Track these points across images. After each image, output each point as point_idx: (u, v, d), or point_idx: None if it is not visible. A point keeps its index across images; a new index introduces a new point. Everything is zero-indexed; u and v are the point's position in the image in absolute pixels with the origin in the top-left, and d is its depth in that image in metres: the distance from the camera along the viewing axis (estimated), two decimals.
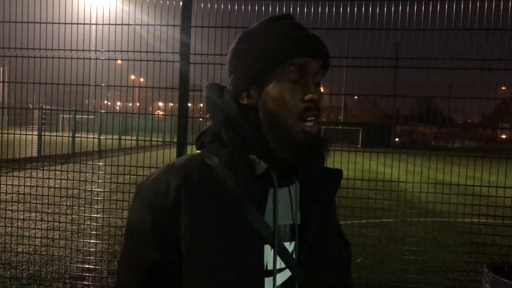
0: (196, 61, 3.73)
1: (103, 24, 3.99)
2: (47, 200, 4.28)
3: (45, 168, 4.68)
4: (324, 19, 3.64)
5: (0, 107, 6.41)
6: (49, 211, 4.48)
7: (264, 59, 0.98)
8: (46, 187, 4.31)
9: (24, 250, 4.81)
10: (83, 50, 4.02)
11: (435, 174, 3.98)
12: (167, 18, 3.84)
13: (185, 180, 0.97)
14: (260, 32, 1.02)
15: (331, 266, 1.07)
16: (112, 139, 4.89)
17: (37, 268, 4.50)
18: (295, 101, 0.97)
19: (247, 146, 1.00)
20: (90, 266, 4.50)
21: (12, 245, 4.63)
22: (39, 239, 4.90)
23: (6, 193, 4.43)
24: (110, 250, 5.02)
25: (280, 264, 1.01)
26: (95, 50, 4.05)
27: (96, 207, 4.89)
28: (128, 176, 4.15)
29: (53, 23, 3.97)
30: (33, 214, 4.51)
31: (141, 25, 4.03)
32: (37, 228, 4.49)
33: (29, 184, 4.30)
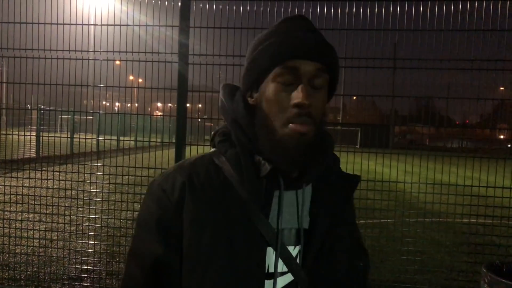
0: (195, 62, 3.73)
1: (101, 25, 3.99)
2: (45, 201, 4.27)
3: (43, 169, 4.67)
4: (323, 20, 3.64)
5: None
6: (47, 212, 4.47)
7: (261, 61, 1.00)
8: (44, 188, 4.30)
9: (22, 251, 4.80)
10: (82, 51, 4.02)
11: (433, 174, 3.98)
12: (166, 18, 3.84)
13: (190, 179, 1.01)
14: (266, 33, 1.04)
15: (339, 274, 1.04)
16: (111, 139, 4.89)
17: (35, 269, 4.49)
18: (285, 104, 0.96)
19: (253, 147, 1.01)
20: (88, 267, 4.49)
21: (10, 246, 4.62)
22: (37, 240, 4.89)
23: (4, 194, 4.42)
24: (108, 251, 5.01)
25: (282, 267, 0.99)
26: (94, 51, 4.04)
27: (94, 208, 4.88)
28: (127, 177, 4.14)
29: (51, 23, 3.97)
30: (31, 215, 4.50)
31: (139, 25, 4.03)
32: (35, 229, 4.49)
33: (27, 185, 4.29)
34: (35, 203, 4.29)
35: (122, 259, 4.63)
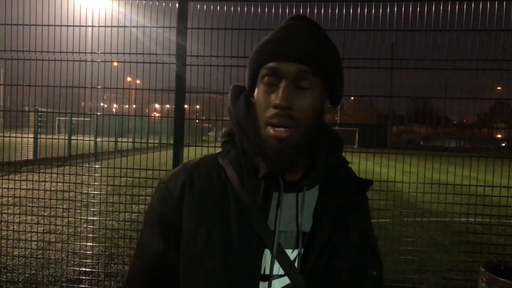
0: (192, 63, 3.73)
1: (99, 26, 3.99)
2: (43, 203, 4.26)
3: (41, 171, 4.66)
4: (320, 21, 3.65)
5: None
6: (45, 214, 4.46)
7: (252, 62, 1.02)
8: (42, 190, 4.30)
9: (20, 253, 4.79)
10: (79, 52, 4.01)
11: (431, 174, 3.99)
12: (163, 20, 3.85)
13: (190, 178, 1.04)
14: (267, 35, 1.06)
15: (340, 280, 1.01)
16: (109, 141, 4.88)
17: (34, 271, 4.48)
18: (266, 105, 0.97)
19: (253, 147, 1.02)
20: (86, 269, 4.48)
21: (8, 248, 4.61)
22: (35, 243, 4.88)
23: (2, 196, 4.41)
24: (106, 253, 5.01)
25: (279, 270, 0.99)
26: (91, 52, 4.04)
27: (92, 209, 4.87)
28: (125, 178, 4.14)
29: (48, 25, 3.96)
30: (29, 217, 4.49)
31: (137, 27, 4.03)
32: (33, 231, 4.47)
33: (25, 187, 4.28)
34: (33, 205, 4.28)
35: (120, 261, 4.62)
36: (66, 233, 4.66)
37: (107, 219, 4.51)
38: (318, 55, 0.96)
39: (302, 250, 1.00)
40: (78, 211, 5.32)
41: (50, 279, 4.38)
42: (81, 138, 5.66)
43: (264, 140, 0.97)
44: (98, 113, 5.51)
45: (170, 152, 3.70)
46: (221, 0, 3.70)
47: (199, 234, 0.99)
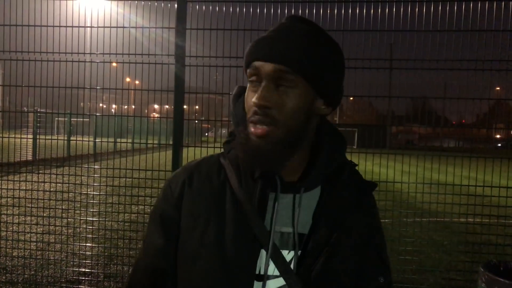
0: (191, 64, 3.72)
1: (98, 27, 3.99)
2: (42, 204, 4.26)
3: (40, 171, 4.65)
4: (319, 21, 3.65)
5: None
6: (44, 214, 4.45)
7: (244, 63, 1.05)
8: (41, 190, 4.29)
9: (20, 254, 4.79)
10: (78, 53, 4.01)
11: (430, 174, 3.99)
12: (162, 20, 3.84)
13: (190, 177, 1.08)
14: None
15: (338, 283, 0.99)
16: (108, 142, 4.88)
17: (33, 272, 4.48)
18: (250, 104, 0.99)
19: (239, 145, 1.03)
20: (86, 270, 4.48)
21: (7, 249, 4.60)
22: (35, 243, 4.88)
23: (1, 197, 4.41)
24: (106, 254, 5.00)
25: (274, 270, 0.99)
26: (90, 53, 4.04)
27: (91, 210, 4.87)
28: (124, 179, 4.14)
29: (47, 26, 3.96)
30: (28, 218, 4.49)
31: (136, 27, 4.03)
32: (33, 232, 4.47)
33: (24, 187, 4.28)
34: (32, 206, 4.28)
35: (119, 262, 4.61)
36: (66, 233, 4.66)
37: (106, 219, 4.51)
38: (298, 54, 0.95)
39: (299, 251, 1.00)
40: (78, 211, 5.32)
41: (49, 280, 4.38)
42: (80, 138, 5.65)
43: (244, 136, 0.99)
44: (97, 114, 5.51)
45: (170, 152, 3.70)
46: (220, 1, 3.70)
47: (196, 232, 1.02)
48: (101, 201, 4.52)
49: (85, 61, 4.01)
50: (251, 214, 0.99)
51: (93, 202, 4.75)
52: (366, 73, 3.64)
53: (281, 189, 1.01)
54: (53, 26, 3.98)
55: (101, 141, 5.38)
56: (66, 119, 14.88)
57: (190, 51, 3.68)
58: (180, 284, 1.04)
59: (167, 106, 4.73)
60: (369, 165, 3.78)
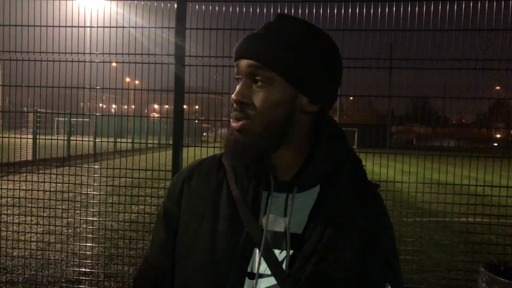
0: (191, 63, 3.72)
1: (97, 27, 3.98)
2: (42, 204, 4.26)
3: (40, 171, 4.65)
4: (319, 21, 3.65)
5: None
6: (44, 214, 4.45)
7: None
8: (42, 190, 4.29)
9: (20, 254, 4.79)
10: (78, 53, 4.01)
11: (430, 174, 3.99)
12: (162, 20, 3.84)
13: (190, 175, 1.12)
14: None
15: (333, 285, 0.97)
16: (108, 141, 4.88)
17: (33, 272, 4.47)
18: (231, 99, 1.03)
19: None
20: (86, 270, 4.48)
21: (8, 249, 4.60)
22: (35, 243, 4.88)
23: (1, 197, 4.40)
24: (106, 253, 5.00)
25: (265, 269, 0.98)
26: (90, 53, 4.04)
27: (92, 210, 4.87)
28: (124, 179, 4.13)
29: (47, 26, 3.95)
30: (29, 218, 4.48)
31: (135, 27, 4.03)
32: (33, 232, 4.46)
33: (24, 187, 4.28)
34: (32, 206, 4.28)
35: (120, 261, 4.62)
36: (66, 233, 4.66)
37: (106, 219, 4.51)
38: (272, 51, 0.95)
39: (292, 251, 0.98)
40: (78, 211, 5.31)
41: (49, 280, 4.38)
42: (80, 138, 5.65)
43: (230, 133, 1.02)
44: (97, 114, 5.51)
45: (170, 152, 3.70)
46: (219, 1, 3.70)
47: (191, 228, 1.05)
48: (101, 201, 4.52)
49: (85, 61, 4.01)
50: (245, 212, 1.00)
51: (93, 202, 4.75)
52: (366, 72, 3.63)
53: (275, 188, 1.01)
54: (53, 26, 3.98)
55: (101, 141, 5.38)
56: (66, 119, 14.89)
57: (190, 51, 3.68)
58: (176, 278, 1.07)
59: (167, 106, 4.73)
60: (369, 165, 3.76)
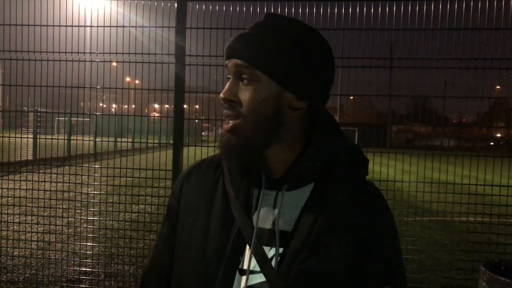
0: (191, 63, 3.72)
1: (97, 26, 3.98)
2: (43, 203, 4.26)
3: (40, 171, 4.65)
4: (319, 20, 3.65)
5: None
6: (45, 214, 4.46)
7: None
8: (42, 190, 4.29)
9: (20, 253, 4.79)
10: (78, 53, 4.01)
11: (431, 173, 3.99)
12: (162, 20, 3.84)
13: (189, 173, 1.16)
14: None
15: (322, 283, 0.95)
16: (108, 141, 4.88)
17: (34, 271, 4.48)
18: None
19: None
20: (87, 269, 4.48)
21: (8, 248, 4.60)
22: (35, 243, 4.88)
23: (2, 196, 4.41)
24: (107, 253, 5.01)
25: (255, 266, 0.98)
26: (90, 53, 4.04)
27: (92, 209, 4.87)
28: (124, 178, 4.14)
29: (47, 25, 3.95)
30: (29, 217, 4.49)
31: (136, 27, 4.03)
32: (33, 232, 4.47)
33: (25, 187, 4.28)
34: (33, 205, 4.28)
35: (120, 261, 4.62)
36: (66, 233, 4.66)
37: (107, 219, 4.51)
38: (254, 48, 0.97)
39: (281, 249, 0.98)
40: (78, 211, 5.31)
41: (50, 279, 4.38)
42: (81, 138, 5.65)
43: (223, 133, 1.04)
44: (97, 113, 5.51)
45: (170, 152, 3.70)
46: (219, 0, 3.70)
47: (186, 224, 1.08)
48: (101, 201, 4.52)
49: (85, 61, 4.01)
50: (237, 209, 1.01)
51: (93, 202, 4.75)
52: (366, 72, 3.63)
53: (267, 185, 1.02)
54: (53, 26, 3.98)
55: (101, 141, 5.37)
56: (66, 118, 14.88)
57: (190, 50, 3.67)
58: (173, 273, 1.10)
59: (167, 106, 4.73)
60: (369, 164, 3.77)
